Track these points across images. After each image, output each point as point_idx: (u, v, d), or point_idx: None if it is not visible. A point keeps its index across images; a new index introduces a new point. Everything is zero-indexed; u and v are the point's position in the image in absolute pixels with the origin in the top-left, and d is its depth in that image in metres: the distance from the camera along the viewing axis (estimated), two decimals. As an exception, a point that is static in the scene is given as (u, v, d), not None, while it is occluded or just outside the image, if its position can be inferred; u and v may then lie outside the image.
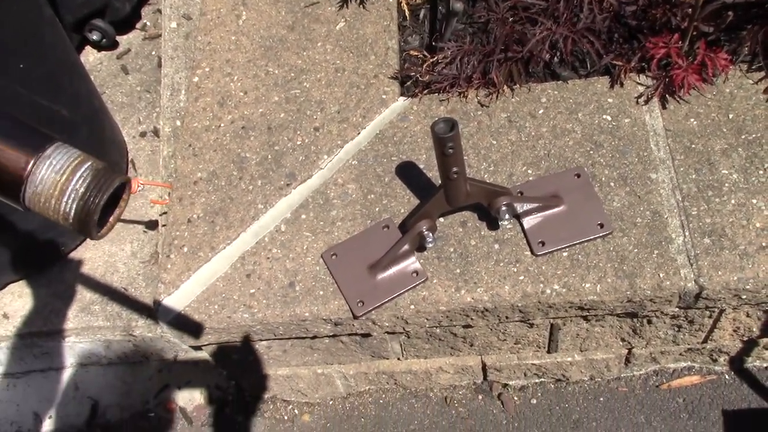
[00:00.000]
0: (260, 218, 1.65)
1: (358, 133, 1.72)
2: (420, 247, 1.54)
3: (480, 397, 1.97)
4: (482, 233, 1.56)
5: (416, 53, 1.82)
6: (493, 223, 1.57)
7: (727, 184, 1.54)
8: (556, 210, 1.56)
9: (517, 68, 1.71)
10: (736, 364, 1.88)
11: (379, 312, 1.52)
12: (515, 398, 1.95)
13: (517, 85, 1.72)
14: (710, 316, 1.64)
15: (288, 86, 1.82)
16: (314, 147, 1.72)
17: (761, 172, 1.54)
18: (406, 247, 1.53)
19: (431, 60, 1.75)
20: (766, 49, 1.63)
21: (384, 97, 1.76)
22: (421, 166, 1.66)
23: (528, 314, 1.54)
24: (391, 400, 1.99)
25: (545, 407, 1.92)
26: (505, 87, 1.72)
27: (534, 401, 1.94)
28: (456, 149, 1.33)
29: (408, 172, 1.66)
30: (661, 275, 1.46)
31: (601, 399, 1.91)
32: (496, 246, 1.54)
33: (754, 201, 1.51)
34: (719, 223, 1.49)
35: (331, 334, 1.61)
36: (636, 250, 1.49)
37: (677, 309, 1.57)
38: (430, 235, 1.51)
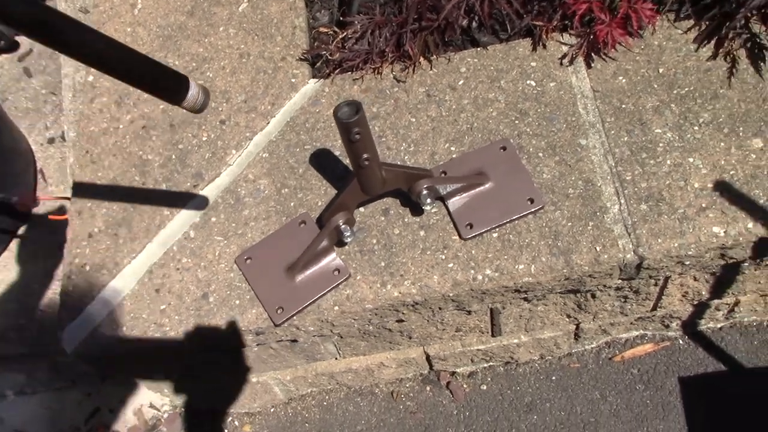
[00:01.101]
0: (167, 225, 1.51)
1: (268, 123, 1.59)
2: (339, 242, 1.42)
3: (428, 388, 1.87)
4: (406, 220, 1.45)
5: (326, 30, 1.69)
6: (416, 209, 1.45)
7: (661, 144, 1.43)
8: (482, 188, 1.44)
9: (433, 38, 1.58)
10: (690, 327, 1.80)
11: (302, 317, 1.41)
12: (464, 386, 1.85)
13: (435, 56, 1.60)
14: (656, 284, 1.55)
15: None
16: (221, 142, 1.58)
17: (696, 128, 1.44)
18: (324, 243, 1.41)
19: (341, 36, 1.61)
20: (693, -5, 1.52)
21: (293, 80, 1.63)
22: (337, 153, 1.53)
23: (462, 303, 1.44)
24: (335, 401, 1.89)
25: (496, 392, 1.83)
26: (422, 59, 1.60)
27: (484, 387, 1.85)
28: (363, 134, 1.21)
29: (323, 161, 1.53)
30: (598, 248, 1.36)
31: (554, 378, 1.82)
32: (422, 233, 1.43)
33: (691, 160, 1.41)
34: (656, 187, 1.39)
35: (255, 343, 1.49)
36: (570, 224, 1.39)
37: (620, 281, 1.47)
38: (348, 228, 1.39)
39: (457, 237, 1.41)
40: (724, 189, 1.37)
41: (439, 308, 1.45)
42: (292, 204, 1.50)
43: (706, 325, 1.81)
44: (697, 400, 1.71)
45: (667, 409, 1.73)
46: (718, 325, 1.80)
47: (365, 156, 1.26)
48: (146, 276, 1.47)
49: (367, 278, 1.40)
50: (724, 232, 1.34)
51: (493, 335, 1.72)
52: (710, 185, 1.38)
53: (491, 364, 1.85)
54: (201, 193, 1.53)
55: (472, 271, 1.38)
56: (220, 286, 1.44)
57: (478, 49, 1.60)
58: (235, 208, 1.51)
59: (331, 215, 1.38)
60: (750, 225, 1.34)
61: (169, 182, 1.55)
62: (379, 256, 1.42)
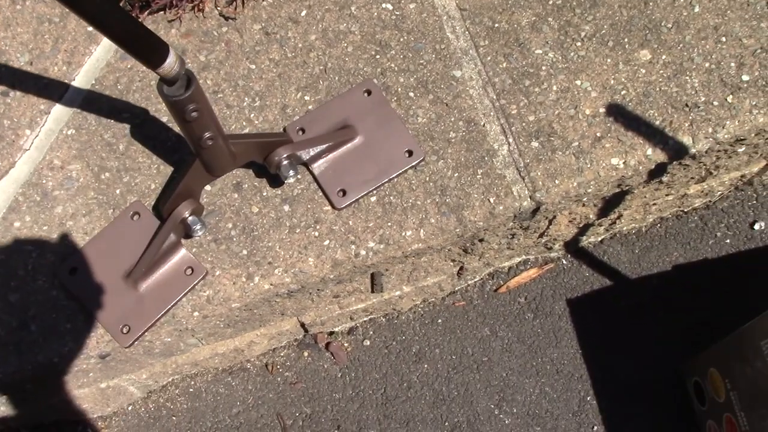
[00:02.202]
0: (-46, 243, 1.17)
1: (67, 89, 1.24)
2: (187, 235, 1.15)
3: (305, 354, 1.67)
4: (265, 194, 1.19)
5: (122, -43, 1.32)
6: (276, 180, 1.20)
7: (544, 68, 1.25)
8: (350, 145, 1.21)
9: (260, -41, 1.28)
10: (572, 246, 1.70)
11: (155, 331, 1.14)
12: (345, 345, 1.67)
13: (266, -18, 1.30)
14: (547, 219, 1.41)
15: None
16: (8, 121, 1.23)
17: (579, 44, 1.26)
18: (168, 240, 1.13)
19: (143, -34, 1.27)
20: None
21: (91, 29, 1.28)
22: (165, 119, 1.23)
23: (345, 279, 1.23)
24: (202, 386, 1.65)
25: (381, 346, 1.67)
26: (251, -13, 1.29)
27: (367, 342, 1.68)
28: (202, 110, 0.94)
29: (149, 130, 1.23)
30: (492, 200, 1.18)
31: (440, 321, 1.68)
32: (287, 207, 1.19)
33: (578, 82, 1.24)
34: (545, 119, 1.22)
35: (100, 364, 1.22)
36: (456, 175, 1.19)
37: (513, 224, 1.32)
38: (197, 220, 1.12)
39: (330, 207, 1.18)
40: (617, 113, 1.22)
41: (319, 290, 1.24)
42: (117, 191, 1.19)
43: (587, 240, 1.72)
44: (587, 321, 1.64)
45: (559, 335, 1.65)
46: (599, 239, 1.72)
47: (207, 135, 0.99)
48: (-61, 313, 1.14)
49: (229, 272, 1.15)
50: (624, 162, 1.20)
51: (373, 292, 1.54)
52: (602, 110, 1.22)
53: (372, 317, 1.68)
54: (-7, 191, 1.19)
55: (353, 246, 1.16)
56: (42, 310, 1.14)
57: (318, -33, 1.32)
58: (43, 205, 1.19)
59: (172, 206, 1.11)
60: (649, 151, 1.20)
61: (-54, 183, 1.19)
62: (239, 243, 1.17)
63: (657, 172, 1.26)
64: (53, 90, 1.24)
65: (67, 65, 1.25)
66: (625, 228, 1.73)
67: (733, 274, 1.61)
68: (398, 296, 1.58)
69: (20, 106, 1.23)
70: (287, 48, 1.26)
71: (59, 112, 1.23)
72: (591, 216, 1.50)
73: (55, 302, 1.14)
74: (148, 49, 0.85)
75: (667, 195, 1.50)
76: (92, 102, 1.24)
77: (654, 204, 1.56)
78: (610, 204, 1.46)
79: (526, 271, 1.72)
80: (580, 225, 1.56)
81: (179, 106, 0.91)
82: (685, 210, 1.68)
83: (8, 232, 1.18)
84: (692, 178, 1.42)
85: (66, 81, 1.25)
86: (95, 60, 1.26)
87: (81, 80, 1.25)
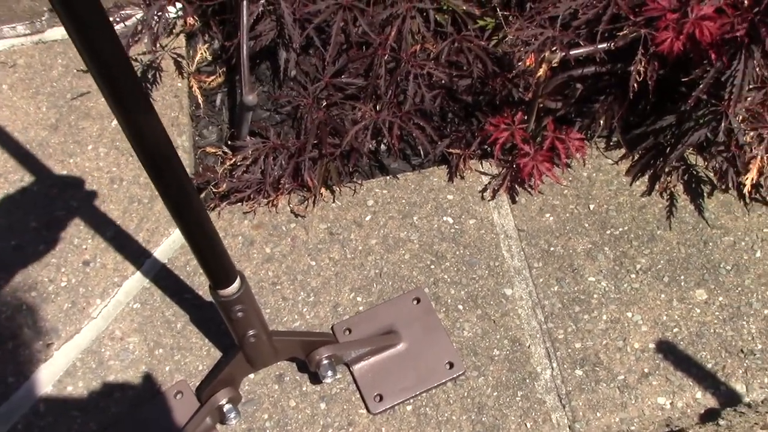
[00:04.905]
0: (10, 399, 1.23)
1: (141, 265, 1.34)
2: (221, 421, 1.18)
3: None
4: (304, 389, 1.22)
5: (214, 150, 1.46)
6: (317, 376, 1.22)
7: (595, 296, 1.26)
8: (393, 350, 1.23)
9: (335, 165, 1.38)
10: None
11: None
12: None
13: (338, 187, 1.39)
14: (593, 449, 1.36)
15: (50, 207, 1.41)
16: (83, 289, 1.32)
17: (633, 276, 1.27)
18: (205, 423, 1.16)
19: (229, 162, 1.39)
20: (624, 123, 1.37)
21: (174, 212, 1.39)
22: (223, 304, 1.29)
23: (371, 488, 1.21)
24: None
25: None
26: (323, 190, 1.39)
27: None
28: (248, 309, 0.99)
29: (207, 313, 1.29)
30: (529, 425, 1.16)
31: None
32: (323, 405, 1.20)
33: (629, 314, 1.24)
34: (591, 348, 1.21)
35: None
36: (496, 394, 1.18)
37: (554, 451, 1.27)
38: (233, 409, 1.15)
39: (365, 410, 1.19)
40: (668, 350, 1.20)
41: (344, 495, 1.22)
42: (167, 368, 1.25)
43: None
44: None
45: None
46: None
47: (251, 332, 1.04)
48: (-21, 467, 1.18)
49: (257, 465, 1.16)
50: (671, 403, 1.16)
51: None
52: (652, 346, 1.21)
53: None
54: (56, 353, 1.27)
55: (383, 455, 1.15)
56: (73, 479, 1.17)
57: (388, 177, 1.41)
58: (97, 373, 1.25)
59: (212, 392, 1.14)
60: (698, 395, 1.16)
61: (16, 341, 1.28)
62: (272, 435, 1.18)
63: (709, 416, 1.20)
64: (129, 264, 1.34)
65: (146, 243, 1.36)
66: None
67: None
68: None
69: (97, 276, 1.33)
70: (348, 249, 1.33)
71: (130, 285, 1.32)
72: (644, 450, 1.43)
73: (88, 472, 1.17)
74: (218, 269, 0.93)
75: (729, 437, 1.42)
76: (161, 280, 1.32)
77: (716, 444, 1.47)
78: (663, 440, 1.40)
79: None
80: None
81: (227, 306, 0.97)
82: (754, 454, 1.58)
83: (60, 396, 1.23)
84: (756, 423, 1.35)
85: (142, 258, 1.34)
86: (171, 241, 1.36)
87: (156, 258, 1.34)
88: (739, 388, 1.17)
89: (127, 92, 0.66)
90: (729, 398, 1.17)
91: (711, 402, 1.17)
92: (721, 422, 1.25)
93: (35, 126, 1.51)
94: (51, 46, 1.61)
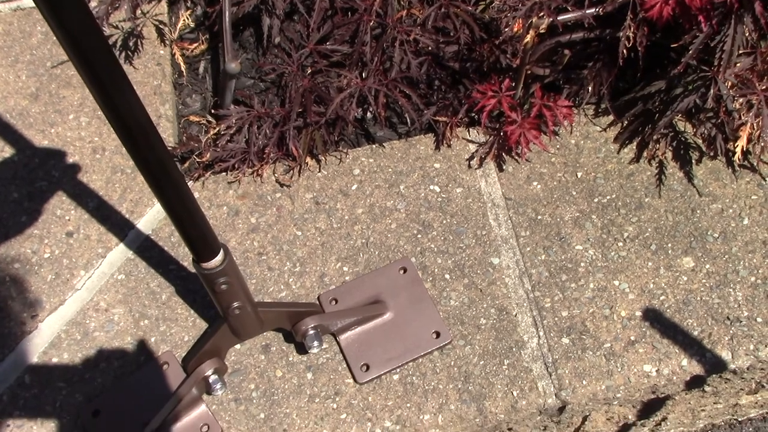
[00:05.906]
0: (-5, 370, 1.23)
1: (126, 236, 1.32)
2: (208, 392, 1.17)
3: None
4: (291, 359, 1.21)
5: (197, 119, 1.44)
6: (303, 346, 1.22)
7: (583, 264, 1.25)
8: (380, 320, 1.22)
9: (320, 134, 1.36)
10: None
11: (163, 486, 1.15)
12: None
13: (324, 156, 1.38)
14: (579, 416, 1.37)
15: (31, 177, 1.39)
16: (67, 260, 1.31)
17: (620, 244, 1.26)
18: (191, 394, 1.15)
19: (213, 131, 1.37)
20: (612, 90, 1.36)
21: (158, 182, 1.37)
22: (209, 274, 1.28)
23: (359, 456, 1.21)
24: None
25: None
26: (309, 159, 1.37)
27: None
28: (232, 282, 0.98)
29: (193, 285, 1.28)
30: (515, 393, 1.16)
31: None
32: (309, 375, 1.20)
33: (616, 282, 1.23)
34: (578, 316, 1.21)
35: None
36: (482, 362, 1.18)
37: (540, 418, 1.28)
38: (218, 379, 1.14)
39: (352, 380, 1.19)
40: (654, 318, 1.20)
41: (332, 463, 1.22)
42: (152, 339, 1.24)
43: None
44: None
45: None
46: (644, 439, 1.64)
47: (236, 304, 1.03)
48: (-35, 440, 1.18)
49: (243, 435, 1.16)
50: (657, 371, 1.16)
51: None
52: (639, 314, 1.20)
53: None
54: (40, 325, 1.26)
55: (369, 424, 1.15)
56: (60, 449, 1.17)
57: (374, 146, 1.39)
58: (83, 345, 1.24)
59: (197, 363, 1.14)
60: (684, 362, 1.17)
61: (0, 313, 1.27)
62: (258, 405, 1.18)
63: (694, 383, 1.21)
64: (113, 236, 1.32)
65: (129, 214, 1.34)
66: (672, 431, 1.64)
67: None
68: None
69: (81, 247, 1.31)
70: (334, 219, 1.32)
71: (114, 256, 1.31)
72: (630, 416, 1.44)
73: (74, 443, 1.17)
74: (201, 243, 0.91)
75: (715, 404, 1.43)
76: (145, 251, 1.31)
77: (702, 410, 1.49)
78: (650, 407, 1.41)
79: (562, 462, 1.64)
80: (620, 424, 1.50)
81: (210, 279, 0.96)
82: (740, 419, 1.59)
83: (45, 367, 1.23)
84: (741, 389, 1.36)
85: (126, 229, 1.33)
86: (156, 212, 1.34)
87: (139, 229, 1.33)
88: (725, 355, 1.17)
89: (99, 65, 0.64)
90: (715, 365, 1.17)
91: (697, 369, 1.17)
92: (707, 389, 1.26)
93: (15, 95, 1.49)
94: (30, 13, 1.57)
